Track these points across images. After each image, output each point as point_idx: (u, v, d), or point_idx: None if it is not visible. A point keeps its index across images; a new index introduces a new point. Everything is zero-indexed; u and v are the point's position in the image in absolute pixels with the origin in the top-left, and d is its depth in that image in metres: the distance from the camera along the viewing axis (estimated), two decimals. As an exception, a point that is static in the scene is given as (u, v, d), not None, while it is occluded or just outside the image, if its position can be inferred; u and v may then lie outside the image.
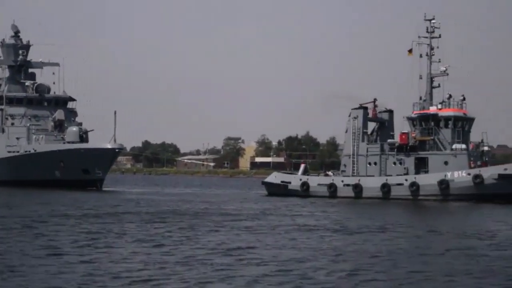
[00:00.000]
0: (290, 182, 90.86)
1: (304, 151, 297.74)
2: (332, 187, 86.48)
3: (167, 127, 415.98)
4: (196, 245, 36.21)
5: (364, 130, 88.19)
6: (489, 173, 78.79)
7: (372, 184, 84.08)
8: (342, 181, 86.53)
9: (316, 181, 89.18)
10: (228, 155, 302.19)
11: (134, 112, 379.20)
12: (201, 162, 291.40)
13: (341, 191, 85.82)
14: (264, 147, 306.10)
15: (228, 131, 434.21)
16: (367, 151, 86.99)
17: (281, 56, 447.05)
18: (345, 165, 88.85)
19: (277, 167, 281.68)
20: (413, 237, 42.57)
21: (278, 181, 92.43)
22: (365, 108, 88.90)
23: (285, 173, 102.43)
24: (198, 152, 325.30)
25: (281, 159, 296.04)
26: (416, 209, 71.20)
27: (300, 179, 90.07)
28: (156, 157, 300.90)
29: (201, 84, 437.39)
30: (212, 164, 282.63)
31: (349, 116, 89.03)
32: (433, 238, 42.62)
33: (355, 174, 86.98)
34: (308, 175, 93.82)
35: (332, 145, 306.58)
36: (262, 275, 27.54)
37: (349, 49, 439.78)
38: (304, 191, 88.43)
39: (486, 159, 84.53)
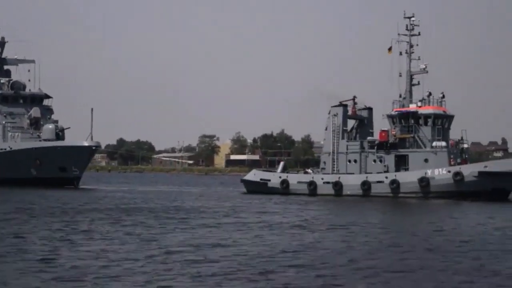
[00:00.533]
0: (269, 180, 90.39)
1: (279, 149, 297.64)
2: (312, 185, 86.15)
3: (142, 124, 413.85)
4: (157, 243, 36.02)
5: (344, 128, 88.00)
6: (469, 170, 78.86)
7: (352, 181, 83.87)
8: (322, 179, 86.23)
9: (296, 179, 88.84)
10: (203, 153, 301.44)
11: (109, 109, 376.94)
12: (177, 160, 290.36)
13: (321, 189, 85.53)
14: (239, 144, 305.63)
15: (203, 129, 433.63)
16: (347, 149, 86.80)
17: (257, 54, 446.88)
18: (325, 163, 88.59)
19: (252, 164, 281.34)
20: (373, 233, 42.55)
21: (257, 179, 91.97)
22: (345, 106, 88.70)
23: (264, 170, 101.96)
24: (173, 150, 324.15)
25: (256, 157, 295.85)
26: (391, 207, 70.65)
27: (280, 177, 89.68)
28: (131, 154, 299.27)
29: (176, 82, 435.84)
30: (191, 162, 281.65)
31: (329, 113, 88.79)
32: (390, 234, 42.49)
33: (335, 171, 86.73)
34: (287, 172, 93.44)
35: (307, 142, 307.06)
36: (218, 272, 27.43)
37: (328, 47, 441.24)
38: (284, 189, 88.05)
39: (466, 156, 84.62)
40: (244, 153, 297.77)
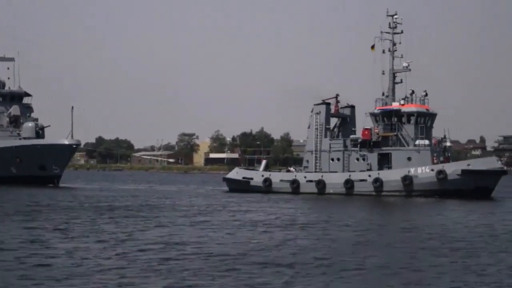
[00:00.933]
0: (252, 178, 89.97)
1: (258, 147, 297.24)
2: (294, 183, 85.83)
3: (121, 123, 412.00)
4: (127, 241, 35.84)
5: (327, 126, 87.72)
6: (453, 169, 78.81)
7: (335, 180, 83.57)
8: (305, 177, 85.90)
9: (278, 177, 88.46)
10: (182, 151, 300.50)
11: (88, 107, 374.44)
12: (156, 158, 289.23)
13: (304, 187, 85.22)
14: (218, 143, 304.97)
15: (182, 127, 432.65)
16: (330, 147, 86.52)
17: (237, 52, 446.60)
18: (307, 161, 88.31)
19: (231, 163, 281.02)
20: (344, 231, 42.62)
21: (239, 177, 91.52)
22: (328, 104, 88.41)
23: (246, 169, 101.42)
24: (152, 148, 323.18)
25: (236, 155, 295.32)
26: (370, 205, 69.82)
27: (262, 175, 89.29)
28: (110, 153, 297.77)
29: (155, 80, 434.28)
30: (172, 160, 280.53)
31: (312, 111, 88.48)
32: (360, 232, 42.21)
33: (317, 170, 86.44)
34: (269, 171, 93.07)
35: (286, 141, 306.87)
36: (183, 269, 27.44)
37: (309, 45, 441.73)
38: (267, 187, 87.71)
39: (449, 154, 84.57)
40: (223, 152, 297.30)
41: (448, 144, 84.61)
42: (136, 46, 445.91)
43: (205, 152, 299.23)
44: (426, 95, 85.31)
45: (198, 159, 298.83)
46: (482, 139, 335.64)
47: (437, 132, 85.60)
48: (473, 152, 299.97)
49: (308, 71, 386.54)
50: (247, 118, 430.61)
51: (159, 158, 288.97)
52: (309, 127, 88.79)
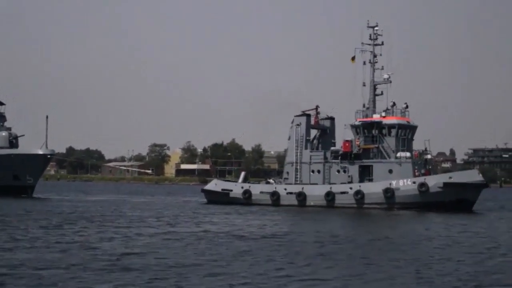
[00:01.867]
0: (231, 190, 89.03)
1: (229, 159, 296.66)
2: (275, 195, 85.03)
3: (92, 133, 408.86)
4: (86, 251, 36.08)
5: (307, 138, 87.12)
6: (434, 181, 78.44)
7: (316, 192, 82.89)
8: (285, 189, 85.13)
9: (258, 189, 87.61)
10: (153, 162, 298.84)
11: (58, 117, 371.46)
12: (127, 168, 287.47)
13: (284, 199, 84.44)
14: (190, 154, 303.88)
15: (153, 138, 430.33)
16: (310, 159, 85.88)
17: (210, 62, 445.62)
18: (288, 173, 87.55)
19: (202, 174, 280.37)
20: (306, 243, 42.46)
21: (218, 189, 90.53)
22: (308, 115, 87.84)
23: (225, 180, 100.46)
24: (123, 159, 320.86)
25: (207, 166, 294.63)
26: (346, 217, 69.36)
27: (242, 187, 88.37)
28: (81, 163, 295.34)
29: (126, 90, 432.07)
30: (149, 171, 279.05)
31: (292, 123, 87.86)
32: (322, 244, 41.89)
33: (298, 182, 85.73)
34: (249, 182, 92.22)
35: (258, 152, 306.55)
36: (134, 281, 27.60)
37: (288, 55, 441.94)
38: (246, 199, 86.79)
39: (430, 167, 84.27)
40: (194, 163, 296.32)
41: (429, 156, 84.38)
42: (107, 56, 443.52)
43: (176, 163, 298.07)
44: (407, 107, 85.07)
45: (169, 170, 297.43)
46: (452, 152, 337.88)
47: (415, 144, 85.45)
48: (443, 165, 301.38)
49: (286, 83, 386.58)
50: (218, 129, 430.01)
51: (130, 169, 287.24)
52: (289, 139, 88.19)
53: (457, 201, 77.70)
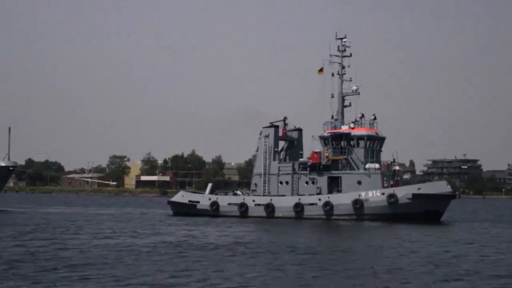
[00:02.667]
0: (198, 202, 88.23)
1: (189, 170, 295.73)
2: (243, 207, 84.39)
3: (51, 145, 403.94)
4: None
5: (276, 149, 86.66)
6: (403, 192, 78.35)
7: (284, 203, 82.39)
8: (254, 201, 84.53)
9: (226, 201, 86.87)
10: (113, 174, 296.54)
11: (17, 129, 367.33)
12: (87, 180, 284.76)
13: (252, 211, 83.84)
14: (150, 165, 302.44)
15: (113, 150, 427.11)
16: (279, 170, 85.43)
17: (172, 72, 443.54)
18: (256, 184, 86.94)
19: (163, 185, 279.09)
20: (252, 253, 42.34)
21: (185, 201, 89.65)
22: (276, 127, 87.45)
23: (192, 192, 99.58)
24: (82, 171, 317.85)
25: (167, 178, 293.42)
26: (302, 228, 68.38)
27: (210, 199, 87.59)
28: (40, 175, 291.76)
29: (86, 101, 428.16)
30: (114, 183, 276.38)
31: (260, 134, 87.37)
32: (266, 255, 41.77)
33: (266, 193, 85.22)
34: (216, 194, 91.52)
35: (218, 163, 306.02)
36: None
37: (255, 67, 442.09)
38: (214, 211, 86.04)
39: (398, 178, 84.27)
40: (154, 174, 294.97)
41: (397, 168, 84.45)
42: (67, 66, 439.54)
43: (136, 175, 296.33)
44: (375, 118, 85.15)
45: (129, 181, 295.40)
46: (412, 163, 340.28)
47: (384, 156, 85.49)
48: (404, 176, 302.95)
49: (252, 94, 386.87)
50: (178, 140, 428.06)
51: (90, 180, 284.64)
52: (257, 150, 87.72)
53: (426, 212, 77.81)
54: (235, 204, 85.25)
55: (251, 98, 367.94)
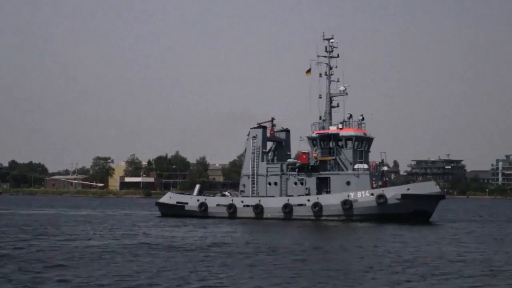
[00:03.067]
0: (187, 203, 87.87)
1: (174, 171, 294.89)
2: (231, 208, 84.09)
3: (35, 146, 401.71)
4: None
5: (264, 150, 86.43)
6: (392, 193, 78.26)
7: (273, 204, 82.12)
8: (242, 202, 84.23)
9: (214, 202, 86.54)
10: (97, 175, 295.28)
11: (0, 131, 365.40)
12: (71, 181, 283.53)
13: (241, 212, 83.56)
14: (134, 167, 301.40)
15: (97, 151, 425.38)
16: (267, 171, 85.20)
17: (155, 75, 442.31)
18: (244, 185, 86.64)
19: (147, 186, 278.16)
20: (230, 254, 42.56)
21: (173, 202, 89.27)
22: (264, 128, 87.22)
23: (180, 193, 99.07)
24: (66, 172, 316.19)
25: (151, 179, 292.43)
26: (288, 229, 68.46)
27: (198, 200, 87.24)
28: (24, 176, 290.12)
29: (69, 103, 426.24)
30: (101, 185, 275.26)
31: (248, 135, 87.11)
32: (244, 255, 42.06)
33: (255, 194, 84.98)
34: (204, 195, 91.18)
35: (202, 165, 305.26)
36: None
37: (241, 68, 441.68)
38: (202, 212, 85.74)
39: (386, 179, 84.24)
40: (138, 176, 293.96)
41: (385, 168, 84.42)
42: (50, 68, 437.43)
43: (121, 176, 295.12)
44: (363, 119, 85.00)
45: (114, 182, 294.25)
46: (396, 164, 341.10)
47: (372, 156, 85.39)
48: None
49: (235, 96, 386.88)
50: (163, 141, 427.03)
51: (74, 181, 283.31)
52: (245, 151, 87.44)
53: (415, 212, 77.80)
54: (224, 205, 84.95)
55: (237, 99, 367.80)
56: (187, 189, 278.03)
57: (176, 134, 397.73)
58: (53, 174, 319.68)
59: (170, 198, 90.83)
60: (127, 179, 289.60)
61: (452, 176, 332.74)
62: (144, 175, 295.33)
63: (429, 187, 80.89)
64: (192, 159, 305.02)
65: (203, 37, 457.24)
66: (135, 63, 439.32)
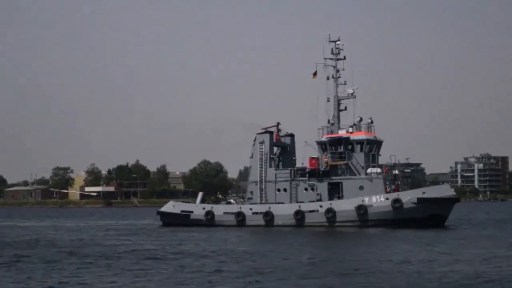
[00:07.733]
0: (192, 212, 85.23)
1: (134, 180, 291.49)
2: (240, 216, 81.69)
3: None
4: None
5: (271, 156, 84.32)
6: (408, 197, 76.68)
7: (284, 211, 79.94)
8: (251, 209, 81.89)
9: (221, 210, 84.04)
10: (57, 185, 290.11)
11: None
12: (30, 190, 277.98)
13: (250, 220, 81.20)
14: (94, 176, 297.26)
15: (56, 161, 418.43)
16: (275, 177, 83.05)
17: (126, 82, 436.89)
18: (252, 192, 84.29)
19: (107, 196, 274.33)
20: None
21: (177, 211, 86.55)
22: (271, 133, 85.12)
23: (184, 202, 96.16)
24: (25, 183, 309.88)
25: (112, 189, 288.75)
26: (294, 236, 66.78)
27: (204, 208, 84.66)
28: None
29: (28, 113, 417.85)
30: (66, 191, 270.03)
31: (254, 141, 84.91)
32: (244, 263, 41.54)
33: (263, 201, 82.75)
34: (209, 203, 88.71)
35: (163, 173, 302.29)
36: None
37: (248, 73, 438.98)
38: (209, 221, 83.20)
39: (398, 183, 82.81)
40: (99, 185, 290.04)
41: (397, 172, 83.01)
42: (9, 79, 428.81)
43: (81, 186, 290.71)
44: (372, 122, 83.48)
45: (74, 193, 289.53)
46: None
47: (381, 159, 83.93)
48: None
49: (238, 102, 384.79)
50: (122, 150, 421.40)
51: (34, 192, 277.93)
52: (251, 157, 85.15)
53: (430, 216, 76.35)
54: (232, 213, 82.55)
55: (237, 106, 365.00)
56: (148, 197, 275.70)
57: (137, 142, 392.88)
58: (12, 185, 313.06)
59: (173, 207, 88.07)
60: (87, 189, 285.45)
61: (412, 179, 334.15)
62: (104, 185, 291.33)
63: (444, 190, 79.60)
64: (152, 167, 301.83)
65: (206, 40, 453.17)
66: (93, 72, 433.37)
